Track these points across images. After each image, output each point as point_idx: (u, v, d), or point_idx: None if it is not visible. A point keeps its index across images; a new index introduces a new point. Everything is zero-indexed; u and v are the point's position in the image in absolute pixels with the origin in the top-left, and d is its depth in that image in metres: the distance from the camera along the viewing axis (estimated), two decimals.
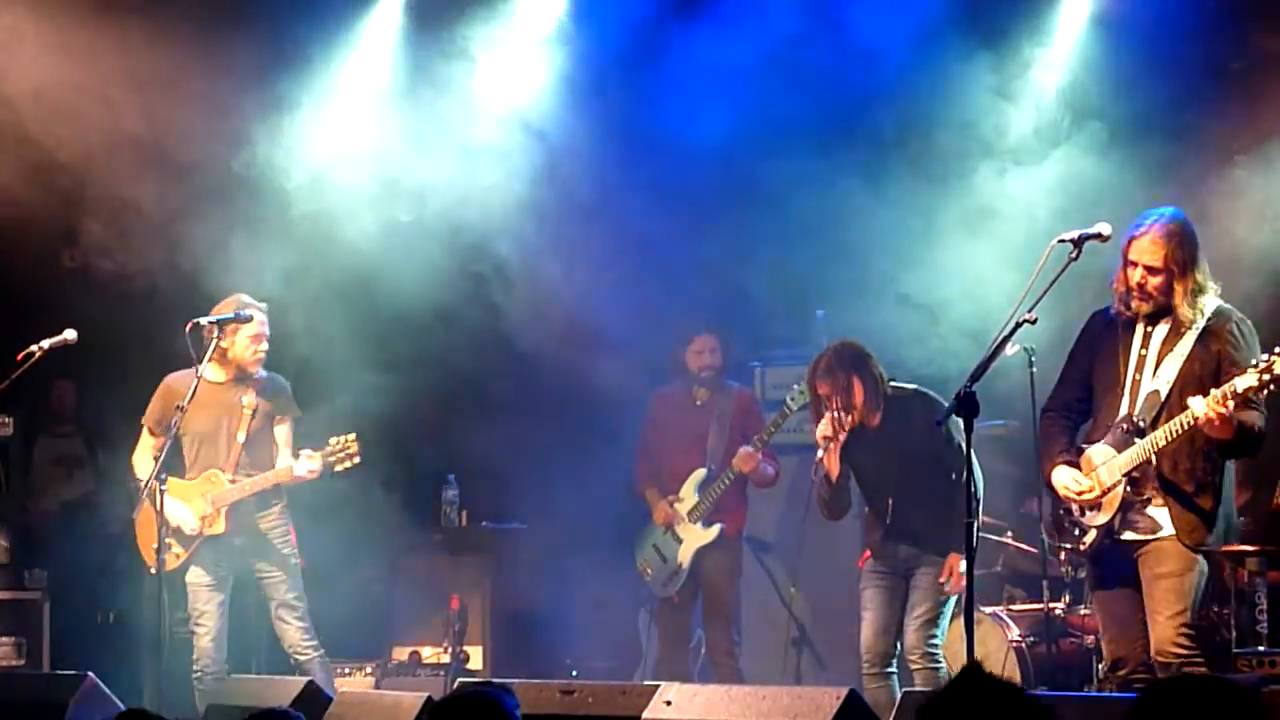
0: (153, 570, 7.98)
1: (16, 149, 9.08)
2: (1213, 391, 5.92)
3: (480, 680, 4.23)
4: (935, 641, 7.30)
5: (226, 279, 8.99)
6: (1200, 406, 5.90)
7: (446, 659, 9.44)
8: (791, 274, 9.25)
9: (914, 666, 7.29)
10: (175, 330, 7.78)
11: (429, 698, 6.33)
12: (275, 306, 8.41)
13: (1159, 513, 6.18)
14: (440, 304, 9.63)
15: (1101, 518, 6.25)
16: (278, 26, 9.33)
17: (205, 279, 9.08)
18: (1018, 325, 6.08)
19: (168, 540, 8.02)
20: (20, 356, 7.62)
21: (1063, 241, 6.19)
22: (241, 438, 8.21)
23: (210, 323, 7.67)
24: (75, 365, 9.30)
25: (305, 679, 7.21)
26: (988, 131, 9.52)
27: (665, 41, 9.64)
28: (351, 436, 8.18)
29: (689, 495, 8.92)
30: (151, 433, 8.26)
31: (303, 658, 8.18)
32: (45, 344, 7.64)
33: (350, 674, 9.04)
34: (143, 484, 7.29)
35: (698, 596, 9.00)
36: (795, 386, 8.44)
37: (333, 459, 8.16)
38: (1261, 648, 7.77)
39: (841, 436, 7.39)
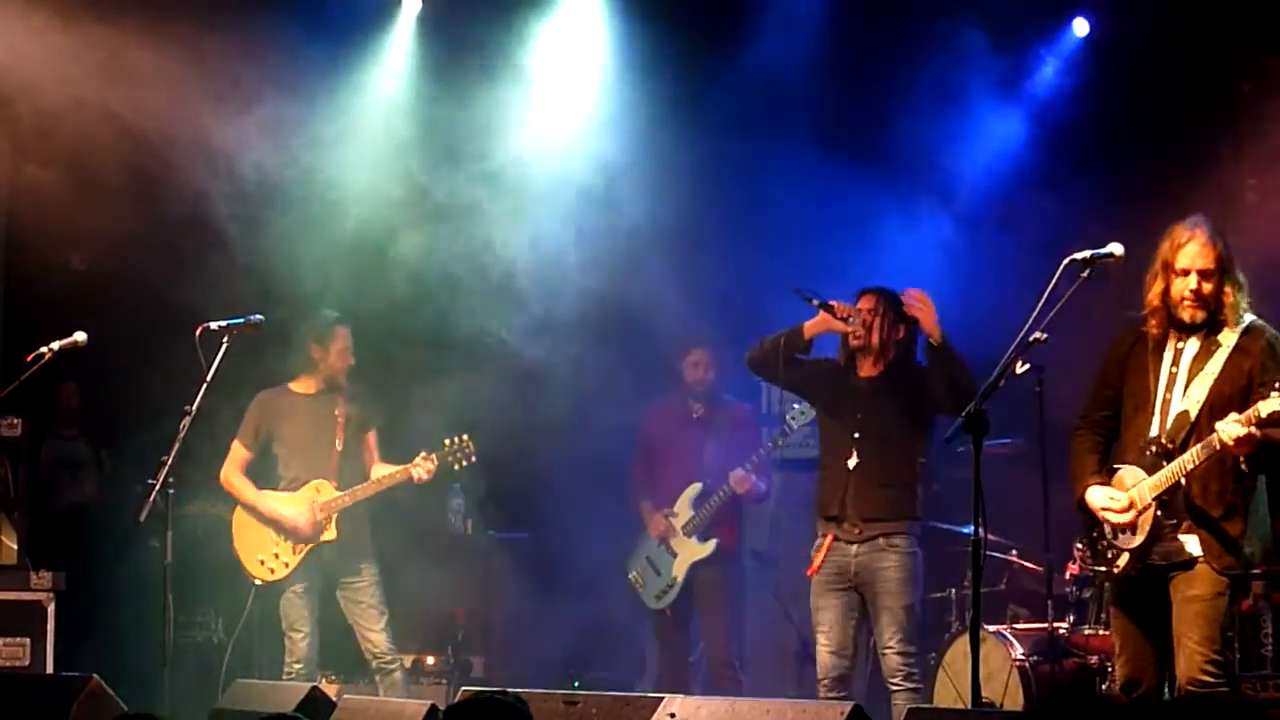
0: (257, 583, 8.43)
1: (30, 151, 9.09)
2: (1233, 416, 5.86)
3: (495, 689, 4.20)
4: (914, 659, 7.22)
5: (234, 283, 9.02)
6: (1230, 429, 5.85)
7: (449, 667, 9.44)
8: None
9: (895, 689, 7.19)
10: (182, 334, 7.75)
11: (433, 705, 6.33)
12: (282, 313, 8.41)
13: (1188, 538, 6.10)
14: (445, 313, 9.63)
15: (1135, 540, 6.17)
16: (308, 32, 9.35)
17: (212, 284, 9.10)
18: (1028, 344, 6.07)
19: (274, 551, 8.42)
20: (30, 358, 7.59)
21: (1074, 261, 6.18)
22: (339, 446, 8.49)
23: (221, 327, 7.64)
24: (80, 368, 9.29)
25: (309, 685, 7.21)
26: (1002, 153, 9.57)
27: (698, 62, 9.69)
28: (466, 436, 8.46)
29: (684, 509, 8.91)
30: (246, 447, 8.55)
31: (390, 667, 8.43)
32: (55, 345, 7.61)
33: (339, 680, 9.04)
34: (155, 487, 7.24)
35: (692, 610, 8.99)
36: (795, 405, 8.42)
37: (450, 459, 8.45)
38: (1266, 671, 7.76)
39: (847, 326, 7.32)
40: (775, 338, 7.49)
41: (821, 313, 7.39)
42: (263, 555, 8.47)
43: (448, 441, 8.50)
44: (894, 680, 7.21)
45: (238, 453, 8.59)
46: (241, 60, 9.11)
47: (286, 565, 8.46)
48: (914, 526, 7.35)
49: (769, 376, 7.68)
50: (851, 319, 7.35)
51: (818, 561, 7.42)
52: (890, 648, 7.20)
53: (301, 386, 8.62)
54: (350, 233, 9.61)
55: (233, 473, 8.57)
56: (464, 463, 8.53)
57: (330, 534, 8.43)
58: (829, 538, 7.39)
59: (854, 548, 7.30)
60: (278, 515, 8.44)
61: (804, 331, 7.43)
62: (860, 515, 7.30)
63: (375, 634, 8.44)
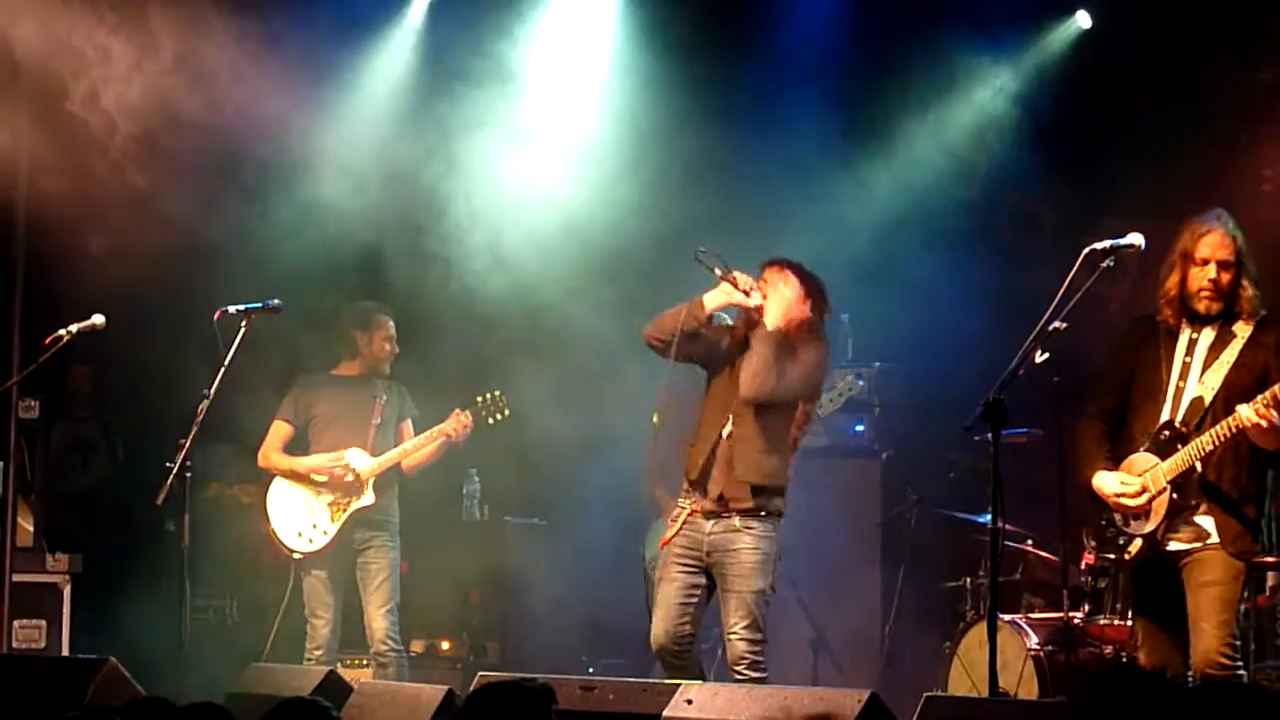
0: (296, 556, 8.48)
1: (45, 134, 9.08)
2: (1259, 396, 5.92)
3: (521, 675, 4.20)
4: (760, 649, 6.93)
5: (248, 269, 9.03)
6: (1246, 411, 5.90)
7: (464, 652, 9.46)
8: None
9: (739, 678, 6.85)
10: (200, 318, 7.76)
11: (450, 690, 6.34)
12: (292, 294, 8.43)
13: (1205, 521, 6.14)
14: (459, 298, 9.63)
15: (1147, 526, 6.21)
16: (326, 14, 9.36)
17: (226, 268, 9.11)
18: (1047, 334, 6.07)
19: (312, 521, 8.50)
20: (48, 341, 7.60)
21: (1093, 251, 6.18)
22: (376, 421, 8.60)
23: (239, 311, 7.63)
24: (92, 351, 9.30)
25: (325, 669, 7.21)
26: (1015, 144, 9.56)
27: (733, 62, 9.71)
28: (499, 392, 8.61)
29: None
30: (288, 422, 8.65)
31: (385, 659, 8.43)
32: (74, 328, 7.61)
33: (367, 665, 9.04)
34: (173, 470, 7.24)
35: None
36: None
37: (484, 414, 8.57)
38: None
39: (748, 301, 7.00)
40: (675, 312, 7.10)
41: (723, 283, 7.06)
42: (300, 527, 8.52)
43: (480, 399, 8.60)
44: (738, 669, 6.91)
45: (279, 430, 8.67)
46: (259, 43, 9.10)
47: (325, 534, 8.49)
48: (778, 502, 7.05)
49: (664, 352, 7.14)
50: (753, 293, 7.04)
51: (671, 533, 7.14)
52: (735, 633, 6.93)
53: (343, 371, 8.75)
54: (366, 215, 9.60)
55: (272, 449, 8.66)
56: (498, 416, 8.61)
57: (368, 498, 8.51)
58: (687, 510, 7.12)
59: (709, 524, 7.03)
60: (317, 469, 8.50)
61: (704, 305, 7.09)
62: (726, 482, 7.00)
63: (376, 617, 8.45)
